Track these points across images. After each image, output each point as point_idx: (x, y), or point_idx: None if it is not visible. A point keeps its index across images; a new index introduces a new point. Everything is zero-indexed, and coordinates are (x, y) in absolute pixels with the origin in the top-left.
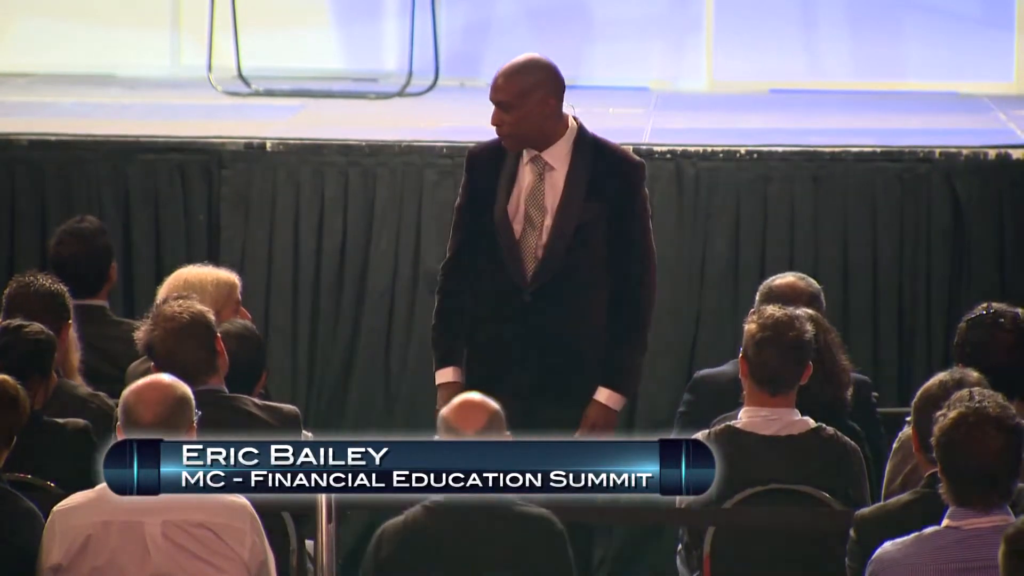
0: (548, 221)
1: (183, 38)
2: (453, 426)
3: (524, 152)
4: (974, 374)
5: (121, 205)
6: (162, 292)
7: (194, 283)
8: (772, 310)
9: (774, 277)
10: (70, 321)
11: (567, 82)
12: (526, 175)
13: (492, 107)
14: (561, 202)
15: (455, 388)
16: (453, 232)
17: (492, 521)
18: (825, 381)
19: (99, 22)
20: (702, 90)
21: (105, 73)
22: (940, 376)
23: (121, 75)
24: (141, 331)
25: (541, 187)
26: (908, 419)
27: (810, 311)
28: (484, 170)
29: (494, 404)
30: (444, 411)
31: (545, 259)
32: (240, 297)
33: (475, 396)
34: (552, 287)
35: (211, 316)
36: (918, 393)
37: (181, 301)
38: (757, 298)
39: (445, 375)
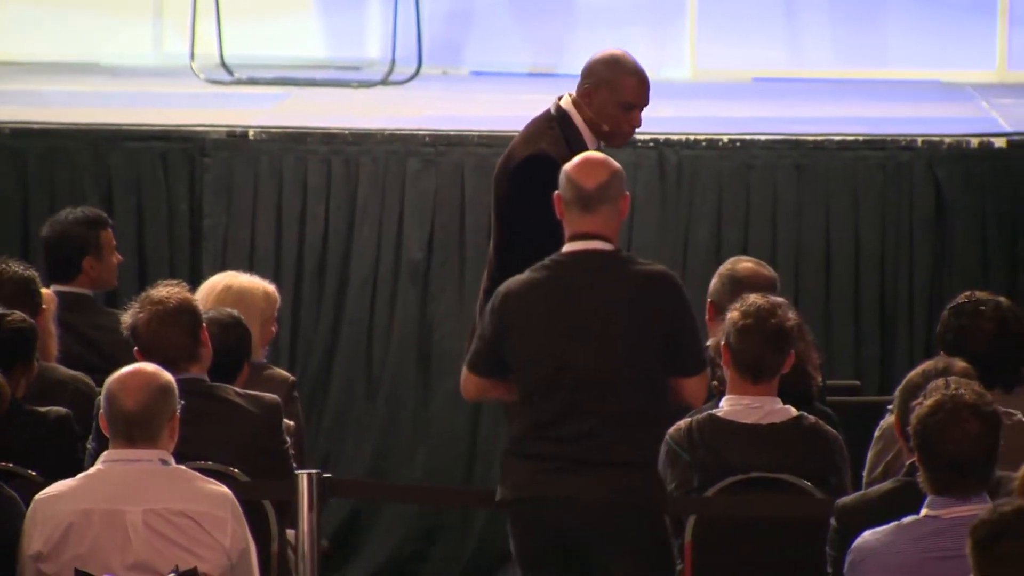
0: None
1: (166, 26)
2: (575, 180)
3: (592, 147)
4: (960, 363)
5: (103, 193)
6: (205, 298)
7: (244, 294)
8: (755, 298)
9: (732, 262)
10: (44, 307)
11: (549, 70)
12: None
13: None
14: None
15: None
16: (546, 226)
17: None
18: (795, 372)
19: (82, 10)
20: (685, 78)
21: (88, 61)
22: (925, 364)
23: (104, 63)
24: (128, 314)
25: None
26: (889, 407)
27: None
28: None
29: (617, 164)
30: (566, 166)
31: None
32: None
33: (597, 154)
34: None
35: (198, 305)
36: (903, 381)
37: (171, 287)
38: (716, 282)
39: None
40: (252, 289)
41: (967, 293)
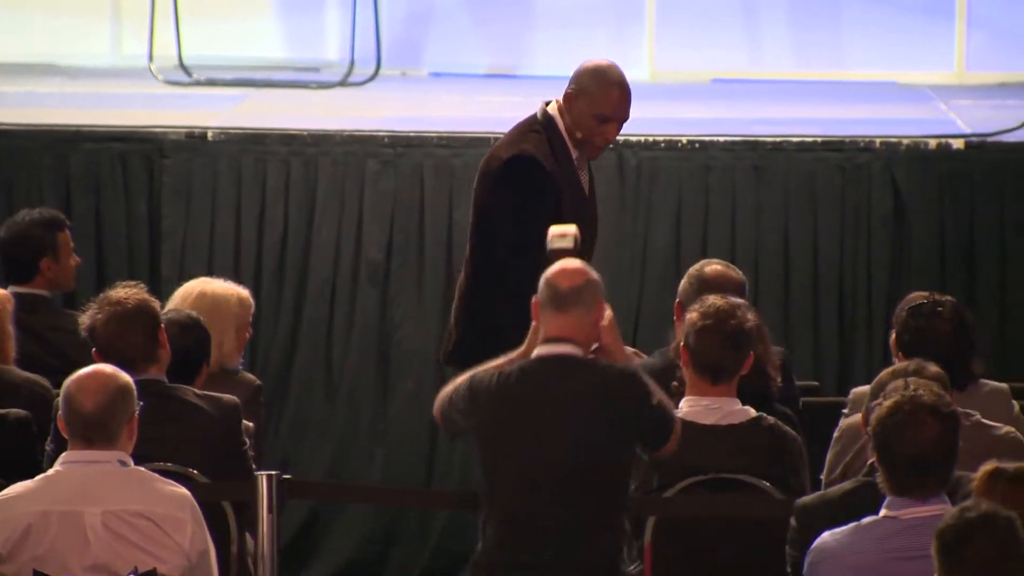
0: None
1: (124, 27)
2: (550, 281)
3: (575, 154)
4: (933, 367)
5: (62, 194)
6: (179, 304)
7: (219, 300)
8: (714, 299)
9: (701, 264)
10: (1, 308)
11: (508, 71)
12: (582, 174)
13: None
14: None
15: None
16: (527, 226)
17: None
18: (754, 373)
19: (39, 11)
20: (644, 80)
21: (46, 62)
22: (898, 364)
23: (62, 64)
24: (86, 315)
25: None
26: (845, 411)
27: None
28: (550, 171)
29: (595, 274)
30: (546, 271)
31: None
32: None
33: (576, 261)
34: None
35: (157, 306)
36: (875, 380)
37: (129, 288)
38: (685, 284)
39: None
40: (226, 295)
41: (924, 294)
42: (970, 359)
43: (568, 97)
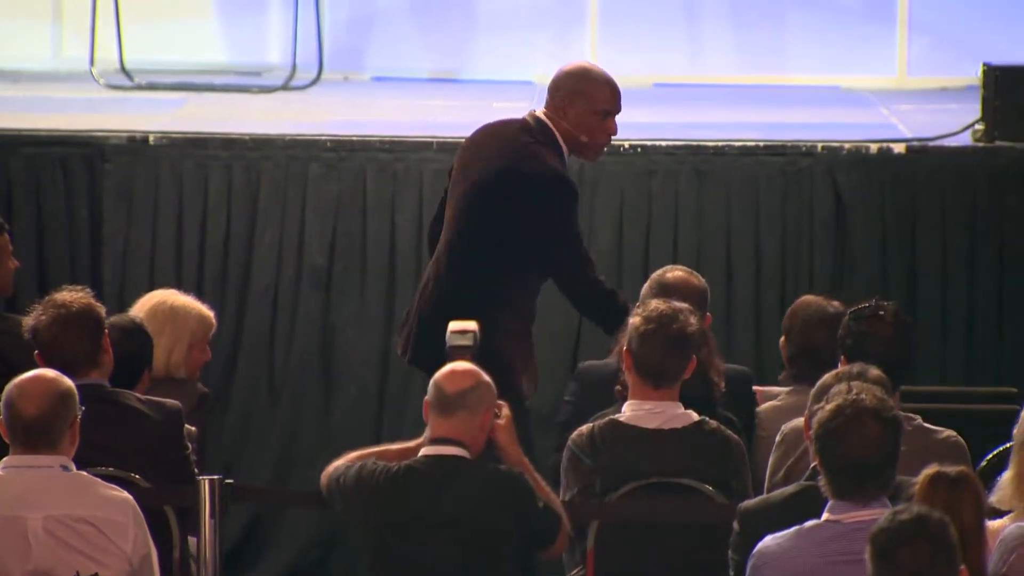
0: None
1: (65, 30)
2: (437, 383)
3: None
4: (875, 371)
5: (2, 198)
6: (137, 309)
7: (179, 312)
8: (657, 304)
9: (664, 270)
10: None
11: (450, 75)
12: None
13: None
14: None
15: None
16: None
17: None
18: (698, 378)
19: None
20: None
21: None
22: (841, 368)
23: (2, 68)
24: (30, 316)
25: None
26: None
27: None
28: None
29: (485, 377)
30: (436, 375)
31: None
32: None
33: (466, 364)
34: None
35: (102, 311)
36: (816, 384)
37: (75, 292)
38: (646, 290)
39: None
40: (187, 307)
41: (872, 299)
42: (912, 362)
43: (561, 106)
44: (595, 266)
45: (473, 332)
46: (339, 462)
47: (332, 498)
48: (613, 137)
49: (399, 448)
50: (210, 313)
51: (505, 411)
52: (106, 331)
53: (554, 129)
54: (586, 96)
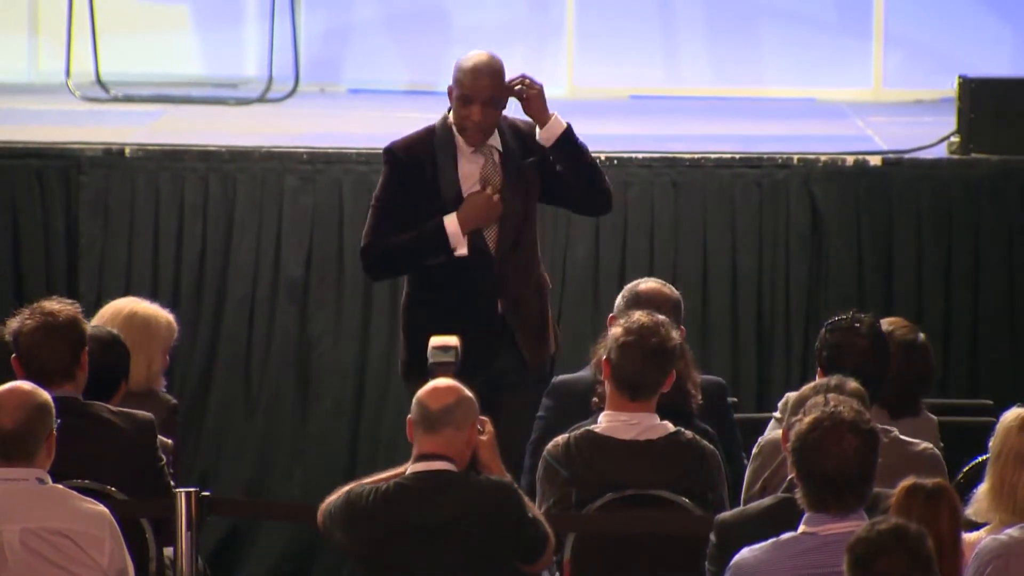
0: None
1: (41, 43)
2: (421, 400)
3: (462, 143)
4: (853, 383)
5: None
6: (109, 323)
7: (150, 321)
8: (639, 315)
9: (638, 282)
10: None
11: (427, 87)
12: (473, 161)
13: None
14: (508, 178)
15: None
16: (380, 220)
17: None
18: (675, 389)
19: None
20: (562, 96)
21: None
22: (819, 380)
23: None
24: (15, 319)
25: (496, 169)
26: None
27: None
28: (414, 162)
29: (468, 393)
30: (419, 392)
31: (506, 229)
32: None
33: (449, 381)
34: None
35: (86, 327)
36: (796, 395)
37: (64, 303)
38: (620, 300)
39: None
40: (157, 316)
41: (849, 311)
42: (887, 375)
43: (449, 92)
44: (386, 235)
45: (455, 348)
46: (330, 497)
47: (328, 531)
48: (474, 121)
49: (388, 476)
50: (172, 317)
51: (488, 427)
52: (87, 348)
53: (448, 113)
54: (454, 83)
